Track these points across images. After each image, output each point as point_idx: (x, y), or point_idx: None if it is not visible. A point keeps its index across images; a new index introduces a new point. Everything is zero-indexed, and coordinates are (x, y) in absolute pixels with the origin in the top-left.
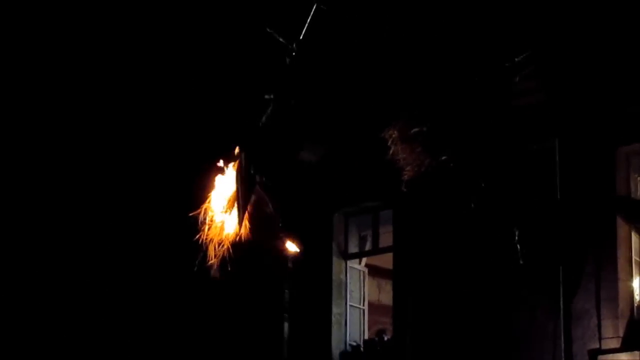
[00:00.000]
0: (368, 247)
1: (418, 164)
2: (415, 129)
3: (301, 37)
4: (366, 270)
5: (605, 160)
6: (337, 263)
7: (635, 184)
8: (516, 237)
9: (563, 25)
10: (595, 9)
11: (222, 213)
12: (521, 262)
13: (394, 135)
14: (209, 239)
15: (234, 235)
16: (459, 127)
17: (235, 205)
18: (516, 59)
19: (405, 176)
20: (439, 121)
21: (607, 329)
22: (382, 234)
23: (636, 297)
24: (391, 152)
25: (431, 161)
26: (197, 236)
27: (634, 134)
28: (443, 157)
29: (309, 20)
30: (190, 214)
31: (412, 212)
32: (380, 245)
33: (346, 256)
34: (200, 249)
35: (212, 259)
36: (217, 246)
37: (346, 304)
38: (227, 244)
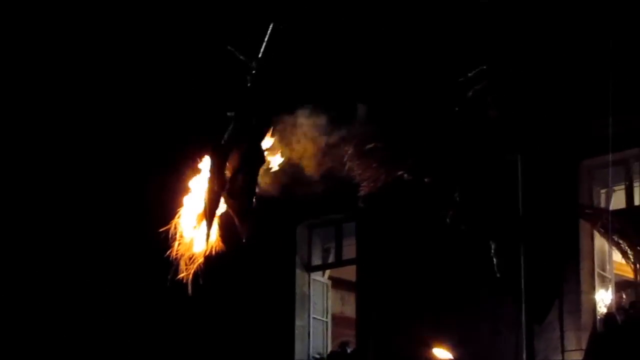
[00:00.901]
0: (331, 259)
1: (374, 179)
2: (370, 145)
3: (260, 56)
4: (329, 283)
5: (568, 173)
6: (300, 275)
7: (598, 196)
8: (492, 250)
9: (521, 40)
10: (553, 23)
11: (192, 229)
12: (498, 275)
13: (349, 152)
14: (179, 255)
15: (203, 251)
16: (414, 143)
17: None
18: (469, 74)
19: (362, 192)
20: (393, 137)
21: (570, 341)
22: (346, 246)
23: (598, 310)
24: (347, 168)
25: (387, 177)
26: (169, 252)
27: (597, 147)
28: (399, 173)
29: (266, 39)
30: (160, 230)
31: (375, 225)
32: (344, 258)
33: (309, 268)
34: (172, 264)
35: (183, 274)
36: (187, 262)
37: (309, 316)
38: (197, 260)
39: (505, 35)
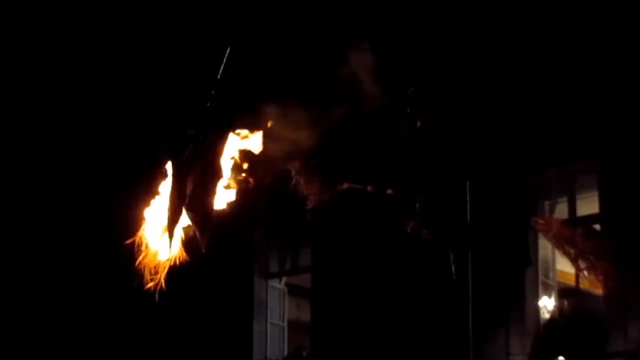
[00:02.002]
0: (288, 266)
1: (319, 194)
2: (314, 161)
3: (219, 77)
4: (286, 289)
5: (516, 186)
6: (258, 282)
7: (543, 208)
8: (452, 260)
9: (464, 58)
10: (496, 41)
11: (157, 239)
12: (456, 283)
13: (296, 167)
14: (144, 265)
15: (168, 261)
16: (355, 158)
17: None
18: (408, 91)
19: (309, 205)
20: (334, 152)
21: (515, 346)
22: (302, 254)
23: (542, 316)
24: (293, 182)
25: (331, 192)
26: (134, 263)
27: (542, 161)
28: (344, 187)
29: (224, 60)
30: (126, 242)
31: (330, 234)
32: (300, 265)
33: (267, 275)
34: (136, 274)
35: (149, 284)
36: (152, 271)
37: (266, 321)
38: (161, 270)
39: (450, 53)
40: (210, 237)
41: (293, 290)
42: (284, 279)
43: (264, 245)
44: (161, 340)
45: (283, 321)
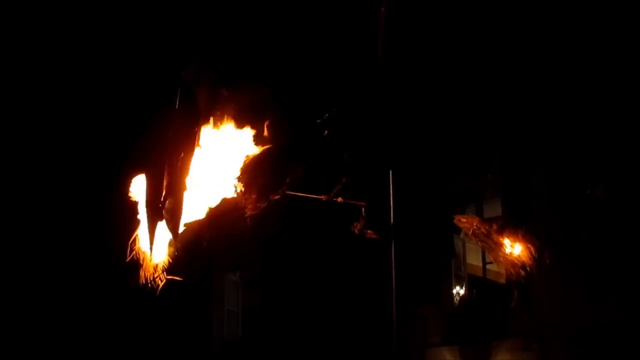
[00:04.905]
0: (242, 261)
1: (256, 202)
2: (249, 175)
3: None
4: (240, 281)
5: (439, 193)
6: (216, 275)
7: (455, 212)
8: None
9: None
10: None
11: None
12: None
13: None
14: (143, 271)
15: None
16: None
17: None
18: (320, 119)
19: (247, 213)
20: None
21: (432, 328)
22: (254, 251)
23: (455, 302)
24: (236, 192)
25: (267, 200)
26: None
27: (458, 174)
28: (276, 197)
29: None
30: (127, 259)
31: (275, 234)
32: (252, 260)
33: (224, 269)
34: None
35: (148, 283)
36: (151, 274)
37: (224, 307)
38: (157, 272)
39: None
40: (180, 241)
41: (246, 282)
42: (238, 272)
43: (221, 243)
44: (137, 327)
45: (238, 308)
